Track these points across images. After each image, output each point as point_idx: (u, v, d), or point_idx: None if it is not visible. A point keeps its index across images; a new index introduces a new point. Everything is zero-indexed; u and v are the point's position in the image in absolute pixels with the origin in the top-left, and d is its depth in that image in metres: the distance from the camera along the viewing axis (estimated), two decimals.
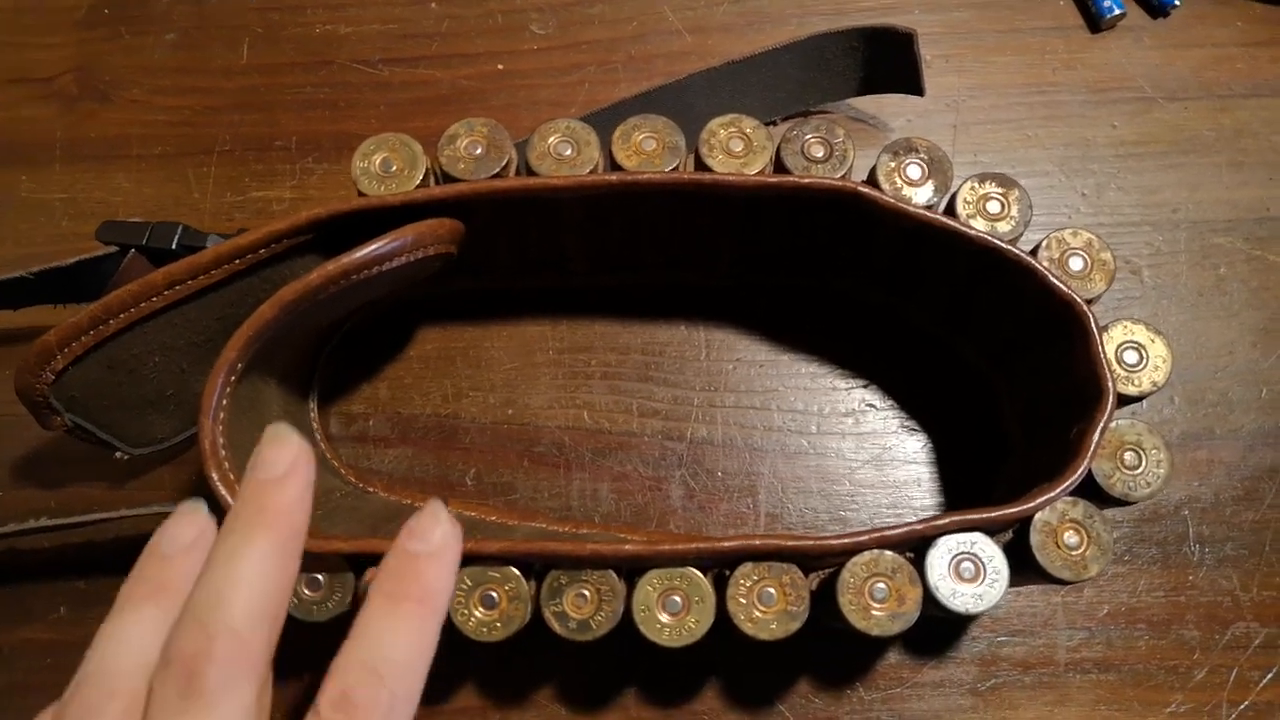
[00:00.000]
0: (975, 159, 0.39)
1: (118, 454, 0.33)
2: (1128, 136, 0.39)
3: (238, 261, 0.30)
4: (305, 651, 0.35)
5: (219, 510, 0.28)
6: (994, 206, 0.31)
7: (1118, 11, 0.40)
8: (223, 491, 0.29)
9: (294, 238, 0.30)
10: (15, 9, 0.43)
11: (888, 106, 0.40)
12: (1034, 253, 0.30)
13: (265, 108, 0.41)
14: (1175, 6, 0.40)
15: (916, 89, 0.37)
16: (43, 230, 0.40)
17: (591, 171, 0.31)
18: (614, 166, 0.31)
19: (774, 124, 0.40)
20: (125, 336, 0.30)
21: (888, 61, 0.37)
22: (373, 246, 0.29)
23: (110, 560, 0.35)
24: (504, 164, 0.31)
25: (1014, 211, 0.31)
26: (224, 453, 0.29)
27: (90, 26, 0.42)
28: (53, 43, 0.42)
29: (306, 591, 0.29)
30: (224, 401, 0.29)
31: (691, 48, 0.41)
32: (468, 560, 0.28)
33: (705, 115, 0.38)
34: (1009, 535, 0.29)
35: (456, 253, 0.32)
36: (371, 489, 0.35)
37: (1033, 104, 0.40)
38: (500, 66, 0.41)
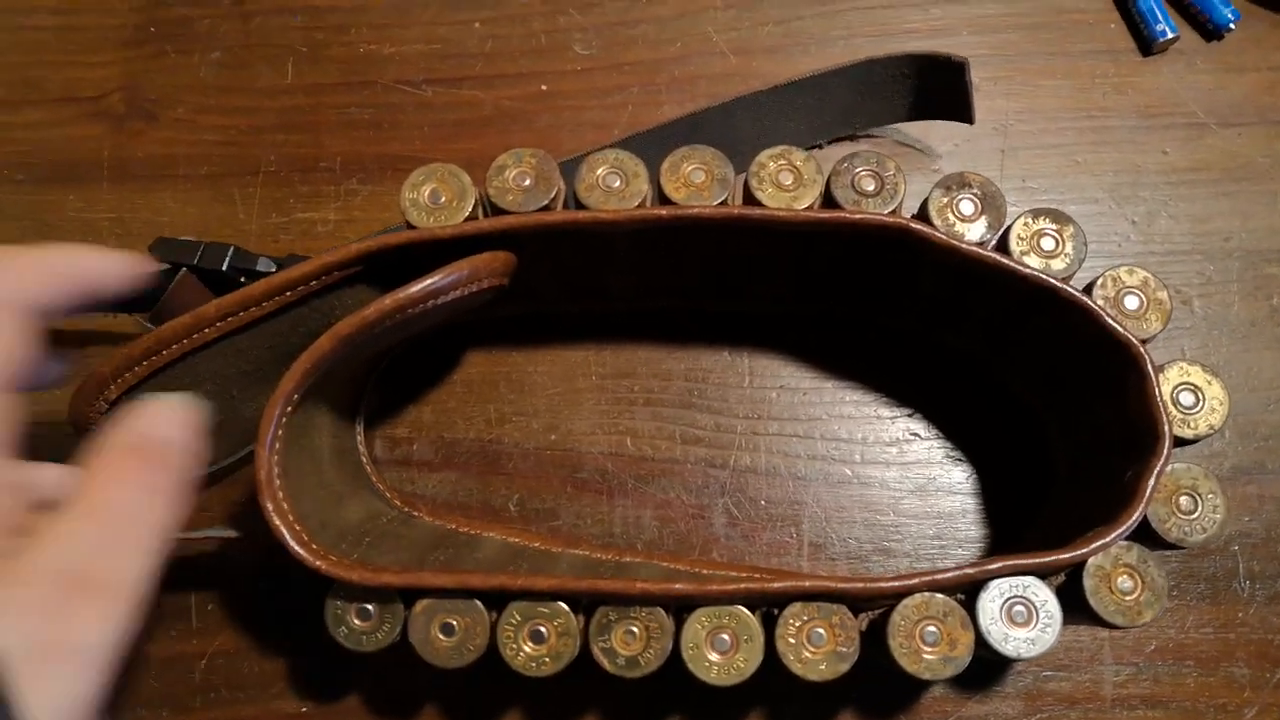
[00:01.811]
0: (1023, 184, 0.39)
1: None
2: (1179, 163, 0.39)
3: (289, 293, 0.30)
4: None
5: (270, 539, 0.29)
6: (1048, 243, 0.30)
7: (1171, 34, 0.39)
8: (276, 521, 0.29)
9: (345, 269, 0.31)
10: (61, 27, 0.43)
11: (934, 131, 0.39)
12: (1088, 290, 0.30)
13: (310, 128, 0.41)
14: (1230, 29, 0.39)
15: (966, 117, 0.37)
16: None
17: (640, 204, 0.31)
18: (662, 198, 0.31)
19: (819, 147, 0.39)
20: (177, 366, 0.31)
21: (938, 89, 0.36)
22: (429, 281, 0.29)
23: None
24: (552, 195, 0.31)
25: (1069, 249, 0.30)
26: (279, 482, 0.29)
27: (136, 45, 0.43)
28: (99, 61, 0.42)
29: (357, 621, 0.29)
30: (279, 431, 0.29)
31: (735, 69, 0.41)
32: (519, 595, 0.28)
33: (750, 138, 0.38)
34: (1061, 578, 0.29)
35: (508, 284, 0.32)
36: (417, 513, 0.35)
37: (1082, 129, 0.39)
38: (544, 87, 0.41)
